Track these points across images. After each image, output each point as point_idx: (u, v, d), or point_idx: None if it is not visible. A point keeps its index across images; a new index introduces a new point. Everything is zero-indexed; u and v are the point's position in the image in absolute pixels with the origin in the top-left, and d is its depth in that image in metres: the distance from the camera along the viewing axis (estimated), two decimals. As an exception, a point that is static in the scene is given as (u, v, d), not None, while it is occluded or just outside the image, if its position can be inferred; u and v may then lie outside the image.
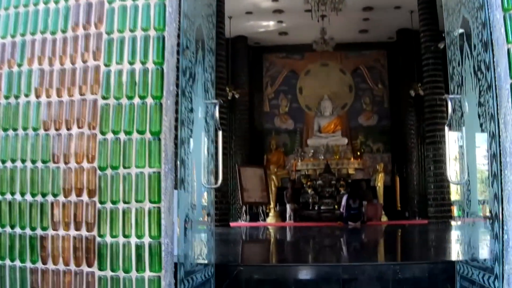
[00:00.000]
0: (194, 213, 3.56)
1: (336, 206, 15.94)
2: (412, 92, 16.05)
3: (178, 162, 3.05)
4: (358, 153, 18.12)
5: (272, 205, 16.81)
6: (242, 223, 16.19)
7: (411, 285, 4.30)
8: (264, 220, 16.57)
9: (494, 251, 3.02)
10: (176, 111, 3.09)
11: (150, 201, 2.86)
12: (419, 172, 17.38)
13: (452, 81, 4.02)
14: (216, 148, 3.94)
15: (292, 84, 19.48)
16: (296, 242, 9.96)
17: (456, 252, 5.31)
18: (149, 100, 2.90)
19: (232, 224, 14.75)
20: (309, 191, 16.57)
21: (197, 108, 3.52)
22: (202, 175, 3.75)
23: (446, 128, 3.96)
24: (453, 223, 12.68)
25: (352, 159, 17.70)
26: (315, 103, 19.22)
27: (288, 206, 16.29)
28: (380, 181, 16.46)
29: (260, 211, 16.86)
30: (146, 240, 2.85)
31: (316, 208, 16.27)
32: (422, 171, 17.25)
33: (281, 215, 16.60)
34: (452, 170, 3.89)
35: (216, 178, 3.92)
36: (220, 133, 3.83)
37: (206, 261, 3.74)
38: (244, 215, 16.76)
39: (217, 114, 3.73)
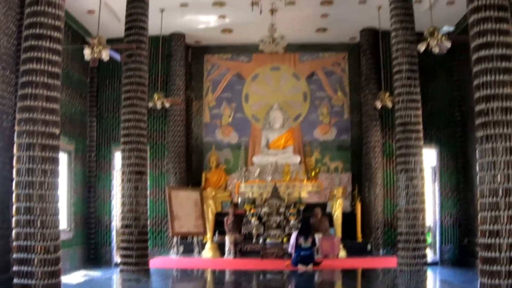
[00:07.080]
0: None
1: (284, 239, 13.26)
2: (378, 103, 13.40)
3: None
4: (313, 173, 15.31)
5: (209, 235, 13.98)
6: (171, 259, 13.49)
7: None
8: (199, 253, 13.78)
9: None
10: None
11: None
12: (385, 196, 14.91)
13: None
14: None
15: (237, 90, 16.62)
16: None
17: None
18: None
19: (155, 262, 12.11)
20: (253, 220, 13.76)
21: None
22: None
23: None
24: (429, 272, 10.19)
25: (305, 180, 14.89)
26: (263, 114, 16.46)
27: (227, 238, 13.46)
28: (338, 209, 13.80)
29: (195, 241, 14.05)
30: None
31: (260, 241, 13.47)
32: (387, 196, 14.85)
33: (220, 248, 13.75)
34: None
35: None
36: None
37: None
38: (176, 247, 13.92)
39: None
